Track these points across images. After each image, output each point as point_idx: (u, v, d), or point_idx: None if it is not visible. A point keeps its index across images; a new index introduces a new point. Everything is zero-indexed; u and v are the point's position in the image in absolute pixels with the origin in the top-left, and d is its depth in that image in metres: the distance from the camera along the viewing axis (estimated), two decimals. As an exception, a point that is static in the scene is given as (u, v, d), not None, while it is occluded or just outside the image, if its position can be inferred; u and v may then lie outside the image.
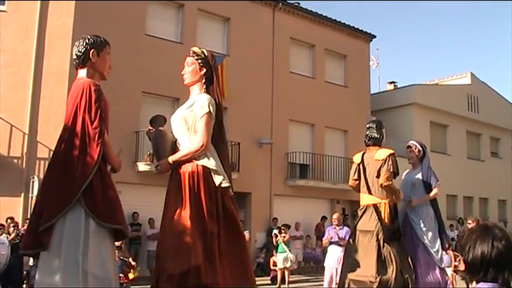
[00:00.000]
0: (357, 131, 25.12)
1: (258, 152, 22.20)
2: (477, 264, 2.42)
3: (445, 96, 31.23)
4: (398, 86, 32.86)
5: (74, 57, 4.32)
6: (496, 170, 33.67)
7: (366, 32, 27.54)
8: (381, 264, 6.65)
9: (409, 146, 8.19)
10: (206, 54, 4.76)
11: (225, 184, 4.44)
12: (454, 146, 31.91)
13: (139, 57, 18.44)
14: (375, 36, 28.01)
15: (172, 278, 4.03)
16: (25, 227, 14.79)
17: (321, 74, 25.40)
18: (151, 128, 4.75)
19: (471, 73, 33.81)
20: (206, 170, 4.37)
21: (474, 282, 2.46)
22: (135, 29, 19.15)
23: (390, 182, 6.90)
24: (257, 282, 17.53)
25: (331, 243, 12.20)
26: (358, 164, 7.24)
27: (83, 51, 4.28)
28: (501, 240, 2.40)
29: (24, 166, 16.96)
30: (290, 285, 16.97)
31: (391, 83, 33.98)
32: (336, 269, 11.88)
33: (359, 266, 6.82)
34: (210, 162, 4.40)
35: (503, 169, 34.20)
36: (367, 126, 7.42)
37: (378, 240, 6.78)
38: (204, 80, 4.76)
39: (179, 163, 4.40)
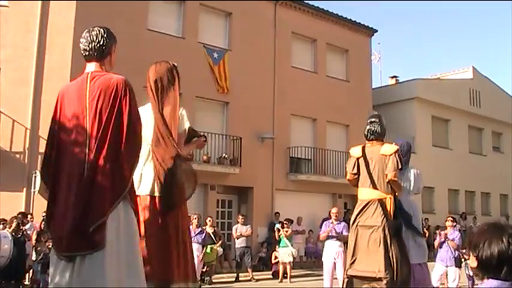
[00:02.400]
0: (358, 126, 25.08)
1: (260, 147, 22.21)
2: (492, 262, 2.41)
3: (447, 90, 31.20)
4: (400, 81, 32.80)
5: (93, 48, 4.05)
6: (498, 164, 33.67)
7: (367, 26, 27.50)
8: (388, 259, 6.67)
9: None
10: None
11: None
12: (455, 140, 31.90)
13: (140, 52, 18.39)
14: (376, 31, 27.99)
15: None
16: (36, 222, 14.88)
17: (322, 69, 25.38)
18: None
19: (473, 67, 33.76)
20: None
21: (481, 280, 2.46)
22: (137, 24, 19.15)
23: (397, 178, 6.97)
24: (259, 277, 17.65)
25: (328, 237, 12.22)
26: (358, 158, 7.16)
27: (105, 44, 4.08)
28: None
29: (26, 161, 16.99)
30: (292, 280, 17.02)
31: (392, 77, 33.93)
32: (334, 263, 11.90)
33: (363, 262, 6.80)
34: None
35: (505, 163, 34.20)
36: (370, 120, 7.35)
37: (384, 235, 6.79)
38: None
39: None
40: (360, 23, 27.08)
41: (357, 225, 6.92)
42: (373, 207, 6.91)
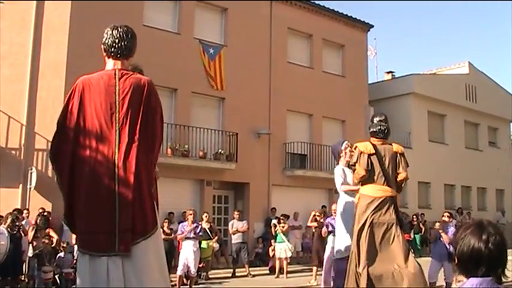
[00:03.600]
0: (354, 121, 25.20)
1: (256, 143, 22.22)
2: (469, 260, 2.43)
3: (443, 86, 31.24)
4: (396, 76, 32.84)
5: (122, 46, 4.13)
6: (494, 159, 33.74)
7: (363, 21, 27.51)
8: (405, 254, 6.79)
9: (349, 146, 8.42)
10: None
11: None
12: (451, 135, 31.95)
13: (136, 48, 18.34)
14: (372, 26, 27.98)
15: None
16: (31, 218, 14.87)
17: (318, 64, 25.38)
18: None
19: (469, 63, 33.79)
20: None
21: (464, 278, 2.48)
22: (133, 20, 19.00)
23: None
24: (255, 272, 17.67)
25: (329, 233, 12.21)
26: (370, 155, 7.17)
27: (134, 44, 4.22)
28: (494, 237, 2.40)
29: (22, 157, 16.96)
30: (288, 275, 17.04)
31: (388, 72, 33.96)
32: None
33: (383, 259, 6.81)
34: None
35: (501, 159, 34.31)
36: (380, 119, 7.43)
37: (397, 231, 6.90)
38: None
39: None
40: (355, 18, 27.07)
41: (371, 223, 6.91)
42: (387, 204, 7.00)
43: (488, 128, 35.11)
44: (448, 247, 11.20)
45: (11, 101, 17.05)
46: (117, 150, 3.87)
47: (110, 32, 4.13)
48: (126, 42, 4.14)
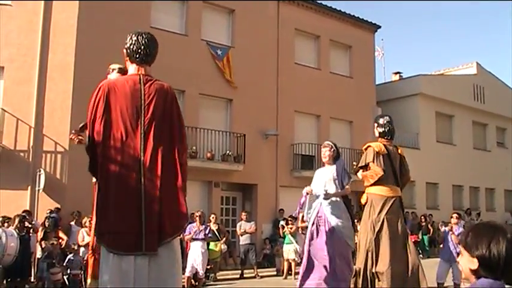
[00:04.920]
0: (362, 122, 25.15)
1: (264, 144, 22.22)
2: (494, 263, 2.36)
3: (450, 86, 31.16)
4: (404, 77, 32.75)
5: (147, 53, 4.26)
6: (502, 160, 33.62)
7: (371, 22, 27.48)
8: (412, 254, 6.99)
9: (326, 146, 8.42)
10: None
11: None
12: (460, 136, 31.85)
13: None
14: (380, 27, 27.94)
15: None
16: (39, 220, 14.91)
17: (326, 65, 25.36)
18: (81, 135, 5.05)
19: (477, 63, 33.69)
20: None
21: (474, 278, 2.43)
22: (140, 22, 19.11)
23: None
24: (263, 273, 17.65)
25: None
26: (383, 155, 7.21)
27: (156, 51, 4.35)
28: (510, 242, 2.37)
29: (30, 159, 17.02)
30: (296, 276, 17.01)
31: (396, 73, 33.88)
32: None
33: (396, 258, 6.84)
34: None
35: (510, 159, 34.15)
36: (387, 120, 7.46)
37: (405, 231, 7.12)
38: None
39: None
40: (363, 19, 27.04)
41: (382, 222, 6.95)
42: (397, 203, 7.11)
43: (496, 128, 34.98)
44: (456, 248, 11.16)
45: (19, 103, 17.12)
46: (142, 154, 4.00)
47: (135, 38, 4.25)
48: (150, 49, 4.27)
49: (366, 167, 7.31)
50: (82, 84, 16.23)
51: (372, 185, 7.15)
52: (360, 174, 7.44)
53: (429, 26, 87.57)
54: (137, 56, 4.22)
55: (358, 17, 26.84)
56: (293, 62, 23.97)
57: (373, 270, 6.80)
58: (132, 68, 4.27)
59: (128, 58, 4.28)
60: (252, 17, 22.68)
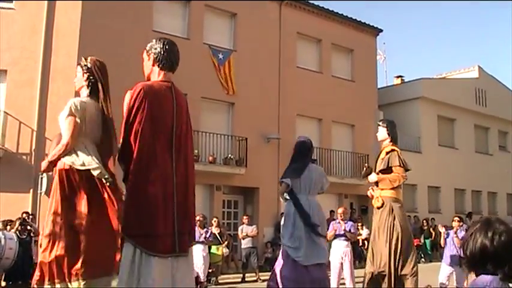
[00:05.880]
0: (364, 126, 25.14)
1: (266, 147, 22.21)
2: (476, 257, 2.44)
3: (452, 90, 31.14)
4: (406, 80, 32.75)
5: (176, 62, 4.44)
6: (505, 163, 33.55)
7: (372, 26, 27.47)
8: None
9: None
10: (90, 65, 5.01)
11: (95, 173, 4.66)
12: (461, 140, 31.83)
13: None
14: (381, 30, 27.94)
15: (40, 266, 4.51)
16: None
17: (328, 69, 25.36)
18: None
19: (479, 66, 33.69)
20: (72, 167, 4.66)
21: (474, 275, 2.48)
22: (142, 25, 19.18)
23: None
24: (265, 277, 17.60)
25: (336, 236, 12.16)
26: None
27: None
28: (501, 234, 2.41)
29: (32, 162, 17.03)
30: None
31: (398, 77, 33.87)
32: (341, 264, 11.82)
33: (405, 259, 6.94)
34: (77, 159, 4.68)
35: (512, 163, 34.12)
36: (394, 124, 7.56)
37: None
38: (88, 86, 5.00)
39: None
40: (365, 22, 27.05)
41: (400, 225, 7.04)
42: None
43: (498, 132, 34.95)
44: (459, 251, 11.13)
45: (21, 106, 17.15)
46: (175, 159, 4.18)
47: (166, 47, 4.39)
48: (177, 59, 4.44)
49: (385, 170, 7.27)
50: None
51: (391, 189, 7.16)
52: (374, 177, 7.35)
53: (431, 29, 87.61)
54: (166, 63, 4.34)
55: (360, 21, 26.85)
56: (295, 66, 23.98)
57: (401, 273, 6.83)
58: (158, 74, 4.35)
59: (154, 63, 4.35)
60: (254, 21, 22.70)
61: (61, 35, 17.90)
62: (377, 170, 7.38)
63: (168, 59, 4.33)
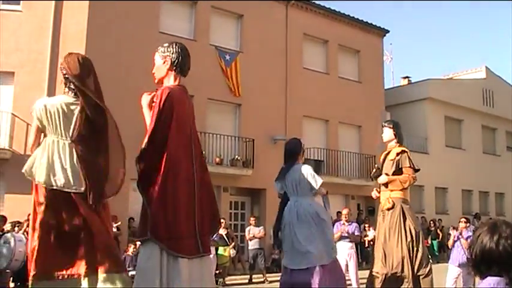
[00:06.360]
0: (371, 127, 25.10)
1: (272, 149, 22.19)
2: (481, 260, 2.43)
3: (459, 90, 31.07)
4: (413, 81, 32.72)
5: (189, 68, 4.48)
6: (512, 164, 33.44)
7: (379, 27, 27.45)
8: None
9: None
10: (62, 65, 4.82)
11: (39, 180, 4.82)
12: (469, 140, 31.74)
13: (153, 54, 18.43)
14: (388, 31, 27.91)
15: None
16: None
17: (334, 70, 25.35)
18: None
19: (486, 67, 33.60)
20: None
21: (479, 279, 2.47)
22: (149, 27, 19.23)
23: None
24: (272, 278, 17.61)
25: (340, 238, 12.16)
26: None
27: None
28: (507, 238, 2.40)
29: (40, 164, 17.05)
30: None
31: (405, 77, 33.82)
32: (346, 265, 11.82)
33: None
34: (34, 164, 4.83)
35: (520, 164, 33.98)
36: (399, 125, 7.55)
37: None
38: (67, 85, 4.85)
39: None
40: (371, 23, 27.03)
41: (410, 226, 7.04)
42: None
43: (506, 132, 34.85)
44: (466, 253, 11.09)
45: (29, 108, 17.03)
46: (194, 162, 4.24)
47: (183, 52, 4.46)
48: (190, 63, 4.49)
49: (395, 172, 7.26)
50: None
51: (399, 190, 7.15)
52: (384, 178, 7.30)
53: (438, 30, 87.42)
54: (183, 68, 4.39)
55: (366, 22, 26.83)
56: (301, 67, 23.98)
57: (418, 274, 6.83)
58: (175, 79, 4.37)
59: (170, 67, 4.37)
60: (261, 22, 22.71)
61: (68, 37, 17.96)
62: (386, 171, 7.32)
63: (184, 65, 4.38)
